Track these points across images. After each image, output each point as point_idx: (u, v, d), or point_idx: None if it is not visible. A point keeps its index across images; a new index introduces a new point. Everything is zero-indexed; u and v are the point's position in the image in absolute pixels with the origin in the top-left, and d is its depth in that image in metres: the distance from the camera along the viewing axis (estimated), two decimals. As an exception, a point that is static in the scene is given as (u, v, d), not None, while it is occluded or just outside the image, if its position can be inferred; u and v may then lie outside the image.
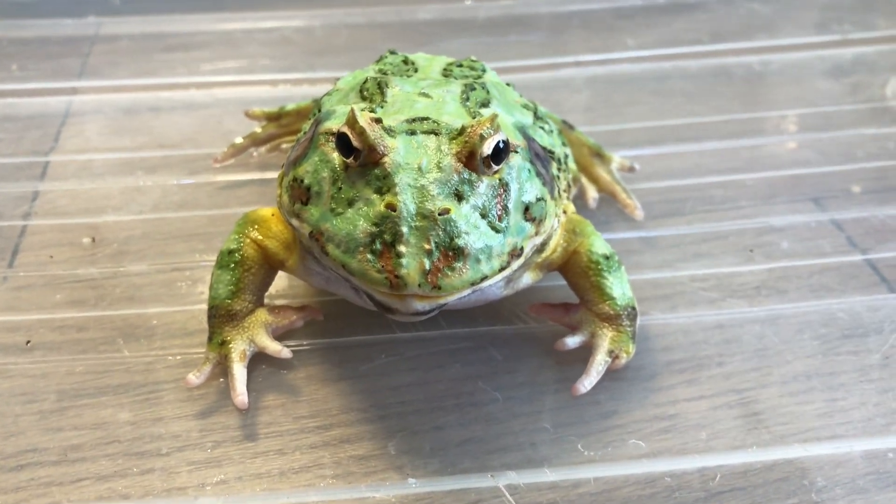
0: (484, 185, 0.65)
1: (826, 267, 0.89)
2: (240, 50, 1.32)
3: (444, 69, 0.84)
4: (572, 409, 0.74)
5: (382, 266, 0.61)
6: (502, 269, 0.65)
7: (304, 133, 0.80)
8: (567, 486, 0.67)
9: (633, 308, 0.76)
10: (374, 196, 0.63)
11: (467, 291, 0.63)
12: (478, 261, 0.62)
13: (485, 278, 0.63)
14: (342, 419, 0.73)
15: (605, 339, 0.75)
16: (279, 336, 0.78)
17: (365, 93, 0.78)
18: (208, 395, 0.75)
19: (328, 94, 0.84)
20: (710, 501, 0.67)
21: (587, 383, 0.73)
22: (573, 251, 0.77)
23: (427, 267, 0.60)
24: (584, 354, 0.76)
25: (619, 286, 0.76)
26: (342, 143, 0.65)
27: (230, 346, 0.75)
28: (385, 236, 0.61)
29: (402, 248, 0.61)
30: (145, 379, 0.77)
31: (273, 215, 0.78)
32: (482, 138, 0.64)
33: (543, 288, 0.84)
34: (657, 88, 1.21)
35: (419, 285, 0.60)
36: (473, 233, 0.63)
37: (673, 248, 0.92)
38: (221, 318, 0.76)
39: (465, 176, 0.64)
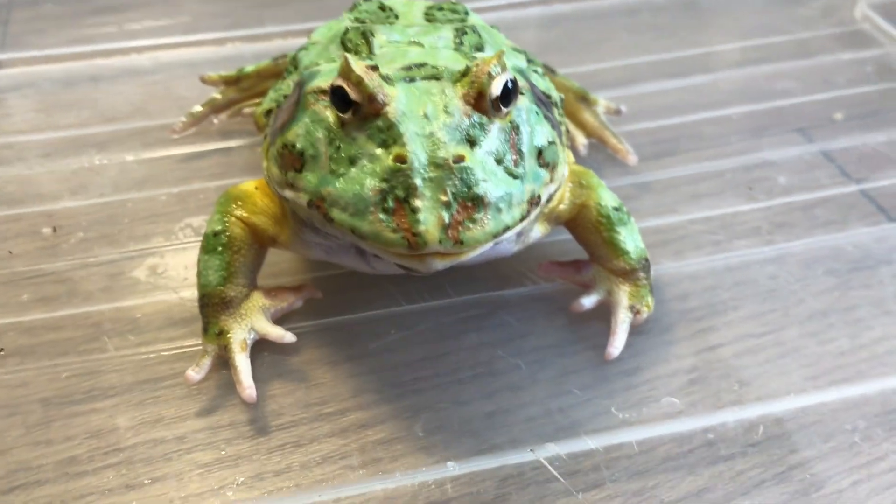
0: (496, 129, 0.60)
1: (825, 199, 0.88)
2: (178, 7, 1.23)
3: (426, 14, 0.79)
4: (594, 369, 0.71)
5: (398, 224, 0.55)
6: (523, 217, 0.60)
7: (284, 97, 0.73)
8: (609, 451, 0.65)
9: (647, 260, 0.73)
10: (379, 150, 0.58)
11: (489, 245, 0.58)
12: (499, 210, 0.57)
13: (507, 229, 0.58)
14: (357, 402, 0.69)
15: (624, 295, 0.72)
16: (278, 319, 0.73)
17: (348, 44, 0.72)
18: (208, 388, 0.70)
19: (304, 48, 0.78)
20: (748, 453, 0.65)
21: (617, 344, 0.70)
22: (581, 205, 0.73)
23: (446, 220, 0.55)
24: (599, 311, 0.73)
25: (631, 239, 0.73)
26: (338, 97, 0.59)
27: (229, 336, 0.69)
28: (397, 192, 0.56)
29: (418, 203, 0.55)
30: (136, 378, 0.71)
31: (257, 188, 0.72)
32: (490, 77, 0.59)
33: (546, 244, 0.80)
34: (628, 23, 1.17)
35: (440, 241, 0.55)
36: (492, 180, 0.57)
37: (669, 190, 0.89)
38: (215, 306, 0.70)
39: (476, 119, 0.59)
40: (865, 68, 1.07)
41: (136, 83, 1.08)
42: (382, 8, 0.80)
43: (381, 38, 0.70)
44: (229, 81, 0.97)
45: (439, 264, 0.58)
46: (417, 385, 0.70)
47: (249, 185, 0.73)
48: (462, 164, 0.56)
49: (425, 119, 0.58)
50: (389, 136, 0.57)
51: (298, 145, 0.62)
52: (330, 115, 0.61)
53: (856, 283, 0.78)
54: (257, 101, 0.97)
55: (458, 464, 0.64)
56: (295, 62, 0.77)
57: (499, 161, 0.59)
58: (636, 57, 1.10)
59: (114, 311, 0.76)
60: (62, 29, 1.19)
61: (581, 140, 0.93)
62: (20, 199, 0.88)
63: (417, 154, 0.56)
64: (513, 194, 0.58)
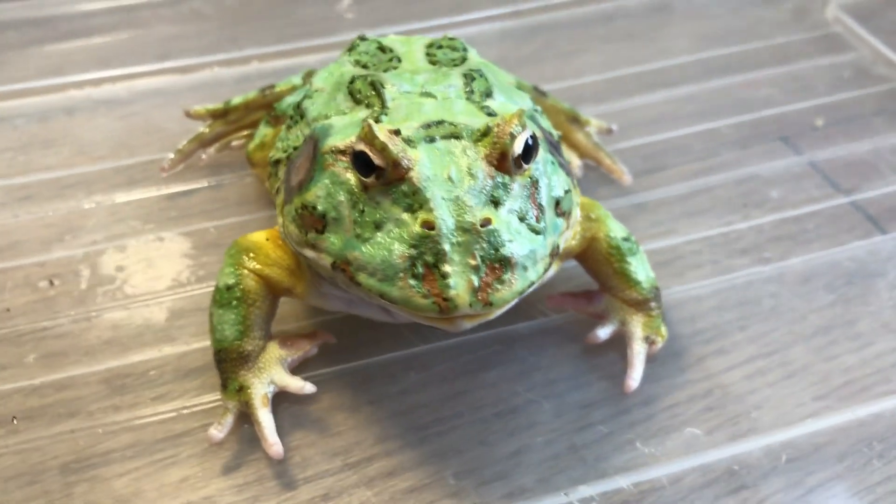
0: (518, 186, 0.61)
1: (816, 213, 0.89)
2: (148, 32, 1.20)
3: (427, 54, 0.78)
4: (612, 400, 0.73)
5: (428, 290, 0.57)
6: (546, 270, 0.61)
7: (294, 148, 0.73)
8: (638, 486, 0.66)
9: (657, 288, 0.75)
10: (405, 215, 0.58)
11: (515, 301, 0.60)
12: (525, 268, 0.59)
13: (532, 285, 0.60)
14: (382, 449, 0.69)
15: (638, 325, 0.73)
16: (294, 369, 0.73)
17: (358, 95, 0.71)
18: (230, 443, 0.70)
19: (307, 96, 0.77)
20: (770, 478, 0.67)
21: (635, 377, 0.71)
22: (591, 238, 0.74)
23: (476, 284, 0.56)
24: (612, 340, 0.74)
25: (642, 269, 0.74)
26: (360, 161, 0.60)
27: (250, 391, 0.69)
28: (426, 257, 0.57)
29: (448, 268, 0.56)
30: (154, 436, 0.70)
31: (268, 239, 0.72)
32: (512, 137, 0.60)
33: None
34: (603, 33, 1.17)
35: (470, 305, 0.56)
36: (517, 240, 0.59)
37: (663, 208, 0.90)
38: (233, 361, 0.69)
39: (499, 179, 0.60)
40: (842, 73, 1.09)
41: (114, 115, 1.05)
42: (382, 49, 0.79)
43: (392, 89, 0.70)
44: (216, 115, 0.95)
45: (468, 325, 0.59)
46: (440, 427, 0.71)
47: (260, 235, 0.72)
48: (489, 228, 0.57)
49: (450, 182, 0.58)
50: (415, 200, 0.58)
51: (320, 207, 0.62)
52: (351, 177, 0.61)
53: (853, 297, 0.81)
54: (246, 132, 0.95)
55: (495, 513, 0.65)
56: (300, 111, 0.76)
57: (521, 218, 0.60)
58: (615, 69, 1.10)
59: (123, 367, 0.75)
60: (26, 59, 1.15)
61: (576, 161, 0.93)
62: (8, 249, 0.86)
63: (445, 220, 0.57)
64: (536, 251, 0.60)
